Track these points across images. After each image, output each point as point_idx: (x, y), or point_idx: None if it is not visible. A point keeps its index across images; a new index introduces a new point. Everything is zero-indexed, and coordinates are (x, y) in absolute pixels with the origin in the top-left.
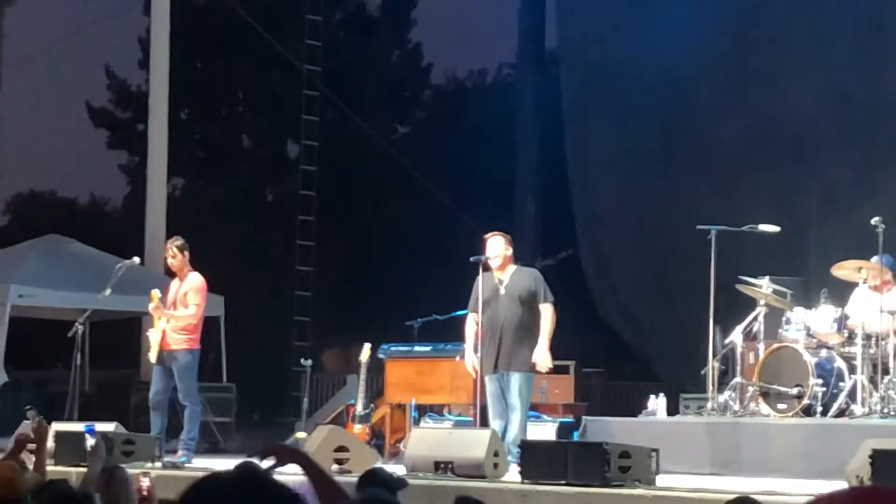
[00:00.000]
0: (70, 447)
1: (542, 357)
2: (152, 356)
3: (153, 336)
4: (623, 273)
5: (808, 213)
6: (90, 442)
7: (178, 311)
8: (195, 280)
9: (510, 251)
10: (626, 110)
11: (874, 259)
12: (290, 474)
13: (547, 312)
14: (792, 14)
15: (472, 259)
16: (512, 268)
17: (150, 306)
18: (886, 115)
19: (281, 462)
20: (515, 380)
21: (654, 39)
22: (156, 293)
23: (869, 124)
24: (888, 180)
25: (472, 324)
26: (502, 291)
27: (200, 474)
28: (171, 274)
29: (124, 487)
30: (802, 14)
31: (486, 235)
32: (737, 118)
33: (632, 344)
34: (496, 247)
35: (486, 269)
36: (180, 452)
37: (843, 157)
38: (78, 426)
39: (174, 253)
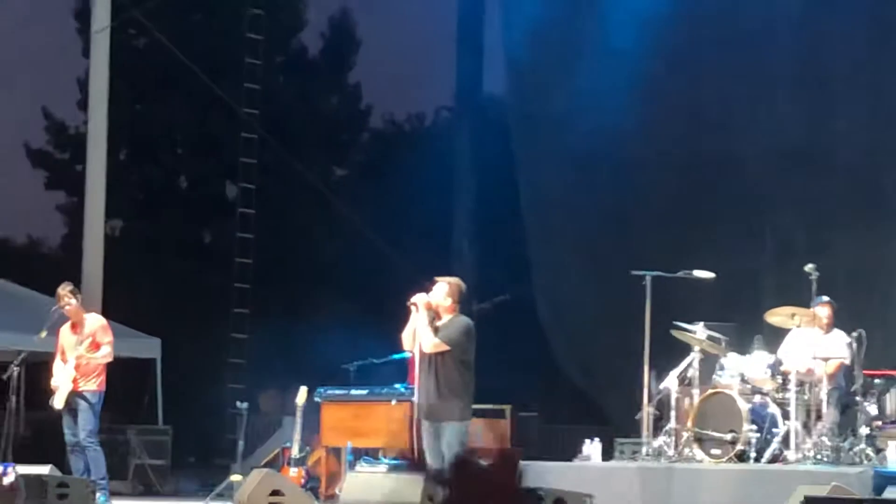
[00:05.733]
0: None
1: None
2: (59, 402)
3: (63, 382)
4: (577, 319)
5: (742, 259)
6: (8, 479)
7: (90, 353)
8: (99, 320)
9: (449, 301)
10: (576, 159)
11: (819, 300)
12: None
13: (440, 343)
14: (742, 66)
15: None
16: (448, 316)
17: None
18: (829, 167)
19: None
20: (446, 429)
21: (603, 88)
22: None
23: (812, 177)
24: (823, 230)
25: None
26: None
27: None
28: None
29: None
30: (752, 66)
31: (436, 279)
32: (685, 167)
33: (586, 390)
34: (436, 293)
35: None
36: (97, 495)
37: (783, 207)
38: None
39: (71, 298)
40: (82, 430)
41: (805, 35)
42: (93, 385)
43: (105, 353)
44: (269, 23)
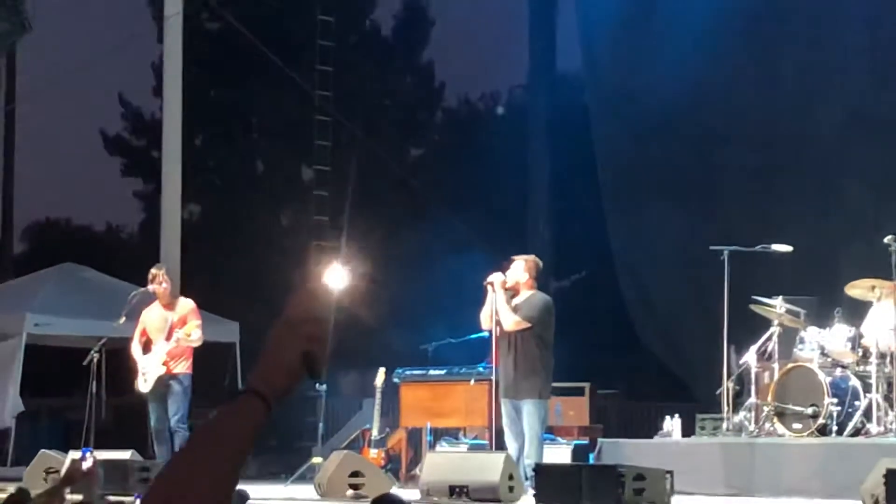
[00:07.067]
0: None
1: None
2: (147, 385)
3: (152, 365)
4: (659, 295)
5: (823, 232)
6: (87, 464)
7: (187, 336)
8: (190, 303)
9: (526, 277)
10: (653, 134)
11: None
12: None
13: (521, 321)
14: (815, 38)
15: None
16: (526, 293)
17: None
18: None
19: None
20: (526, 408)
21: (680, 63)
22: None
23: (888, 146)
24: None
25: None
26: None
27: None
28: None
29: None
30: (825, 38)
31: (513, 258)
32: (763, 141)
33: (669, 366)
34: (513, 271)
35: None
36: None
37: (859, 178)
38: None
39: (165, 278)
40: (174, 414)
41: (878, 4)
42: (183, 367)
43: (199, 335)
44: (340, 4)
